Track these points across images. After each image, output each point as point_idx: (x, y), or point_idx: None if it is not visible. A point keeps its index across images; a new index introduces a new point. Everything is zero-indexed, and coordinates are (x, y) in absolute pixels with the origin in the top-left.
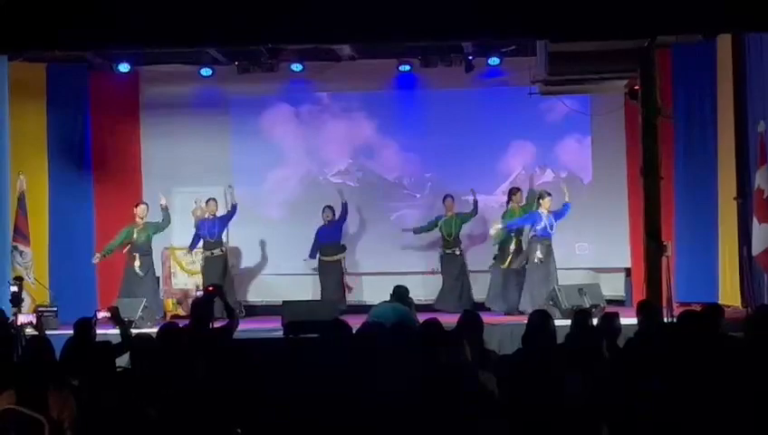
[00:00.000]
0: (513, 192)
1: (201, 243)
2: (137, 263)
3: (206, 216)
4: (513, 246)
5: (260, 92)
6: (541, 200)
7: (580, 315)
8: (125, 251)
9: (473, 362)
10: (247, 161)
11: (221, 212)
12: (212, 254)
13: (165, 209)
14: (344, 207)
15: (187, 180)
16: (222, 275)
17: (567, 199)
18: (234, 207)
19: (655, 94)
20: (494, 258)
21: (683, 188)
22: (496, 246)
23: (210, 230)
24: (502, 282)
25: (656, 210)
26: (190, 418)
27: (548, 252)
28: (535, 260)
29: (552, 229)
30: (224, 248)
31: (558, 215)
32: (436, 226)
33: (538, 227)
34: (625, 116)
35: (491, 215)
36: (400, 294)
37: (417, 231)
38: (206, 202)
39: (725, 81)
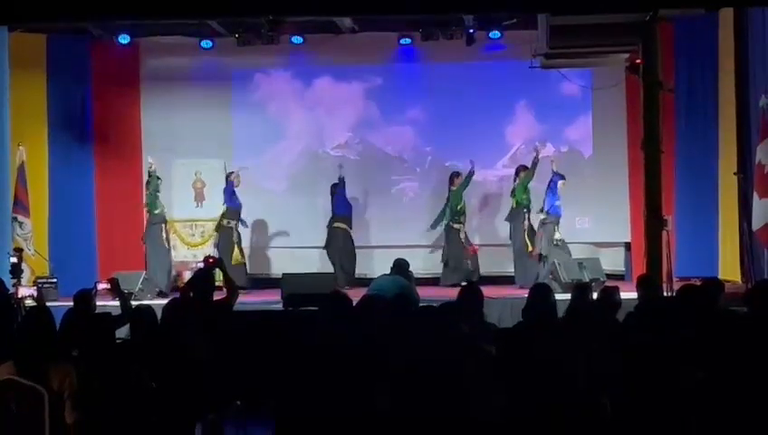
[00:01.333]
0: (520, 169)
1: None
2: (164, 234)
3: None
4: (526, 223)
5: (260, 65)
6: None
7: (580, 289)
8: (146, 220)
9: (473, 334)
10: (247, 134)
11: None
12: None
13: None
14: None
15: (187, 152)
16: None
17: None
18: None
19: (656, 68)
20: (510, 238)
21: (683, 163)
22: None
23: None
24: (521, 259)
25: (656, 185)
26: (190, 389)
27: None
28: (555, 241)
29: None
30: None
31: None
32: (448, 207)
33: (557, 203)
34: (626, 90)
35: (491, 188)
36: (400, 266)
37: (434, 225)
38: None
39: (727, 55)
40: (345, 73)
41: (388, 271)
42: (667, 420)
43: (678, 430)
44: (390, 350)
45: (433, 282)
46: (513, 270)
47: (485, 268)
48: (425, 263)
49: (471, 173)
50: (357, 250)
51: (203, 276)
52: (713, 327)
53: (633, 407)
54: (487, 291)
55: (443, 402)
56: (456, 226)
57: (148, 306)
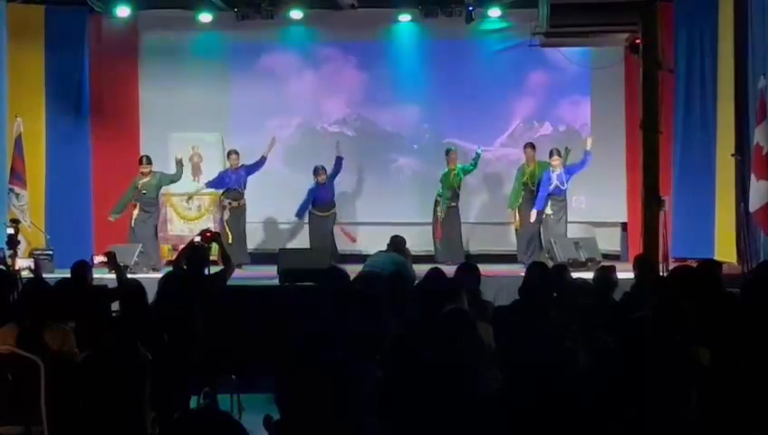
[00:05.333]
0: (525, 148)
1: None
2: (135, 211)
3: (231, 168)
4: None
5: (259, 40)
6: (549, 158)
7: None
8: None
9: (470, 311)
10: (245, 108)
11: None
12: (239, 204)
13: (179, 164)
14: (338, 161)
15: (184, 126)
16: (244, 226)
17: (588, 148)
18: (263, 159)
19: (656, 48)
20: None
21: (681, 143)
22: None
23: (237, 181)
24: (524, 235)
25: (654, 165)
26: (185, 362)
27: (559, 208)
28: (544, 216)
29: (563, 186)
30: (244, 200)
31: (576, 167)
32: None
33: (551, 187)
34: (625, 70)
35: (488, 167)
36: (397, 243)
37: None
38: (229, 155)
39: (727, 36)
40: (344, 49)
41: (384, 248)
42: (666, 397)
43: (679, 408)
44: (388, 326)
45: (429, 259)
46: (508, 248)
47: (483, 246)
48: (421, 240)
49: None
50: (354, 226)
51: (197, 250)
52: (713, 307)
53: (632, 384)
54: (483, 269)
55: (441, 379)
56: (453, 204)
57: (136, 281)
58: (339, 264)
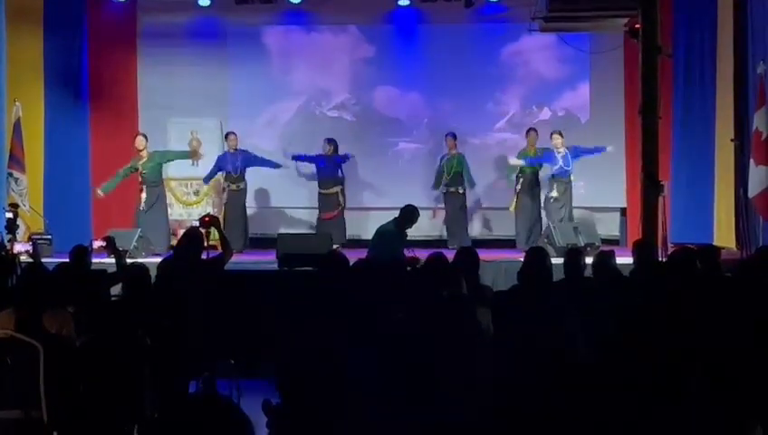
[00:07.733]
0: (528, 132)
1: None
2: (143, 195)
3: (229, 150)
4: (518, 187)
5: (258, 24)
6: (551, 138)
7: (572, 254)
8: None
9: (469, 296)
10: (244, 93)
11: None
12: (237, 187)
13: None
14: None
15: (183, 111)
16: (243, 210)
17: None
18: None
19: (655, 33)
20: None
21: (681, 129)
22: (515, 188)
23: (233, 164)
24: (524, 221)
25: (653, 150)
26: (184, 347)
27: (564, 190)
28: (551, 199)
29: (567, 167)
30: (245, 183)
31: (582, 151)
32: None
33: (555, 167)
34: (624, 55)
35: (487, 152)
36: (402, 213)
37: (435, 186)
38: (227, 136)
39: (726, 21)
40: (343, 34)
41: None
42: (663, 383)
43: (675, 393)
44: (386, 310)
45: (427, 244)
46: (509, 233)
47: (483, 231)
48: (419, 224)
49: None
50: (352, 211)
51: (193, 235)
52: (709, 291)
53: (629, 369)
54: (482, 254)
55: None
56: (452, 189)
57: (141, 264)
58: (346, 248)
